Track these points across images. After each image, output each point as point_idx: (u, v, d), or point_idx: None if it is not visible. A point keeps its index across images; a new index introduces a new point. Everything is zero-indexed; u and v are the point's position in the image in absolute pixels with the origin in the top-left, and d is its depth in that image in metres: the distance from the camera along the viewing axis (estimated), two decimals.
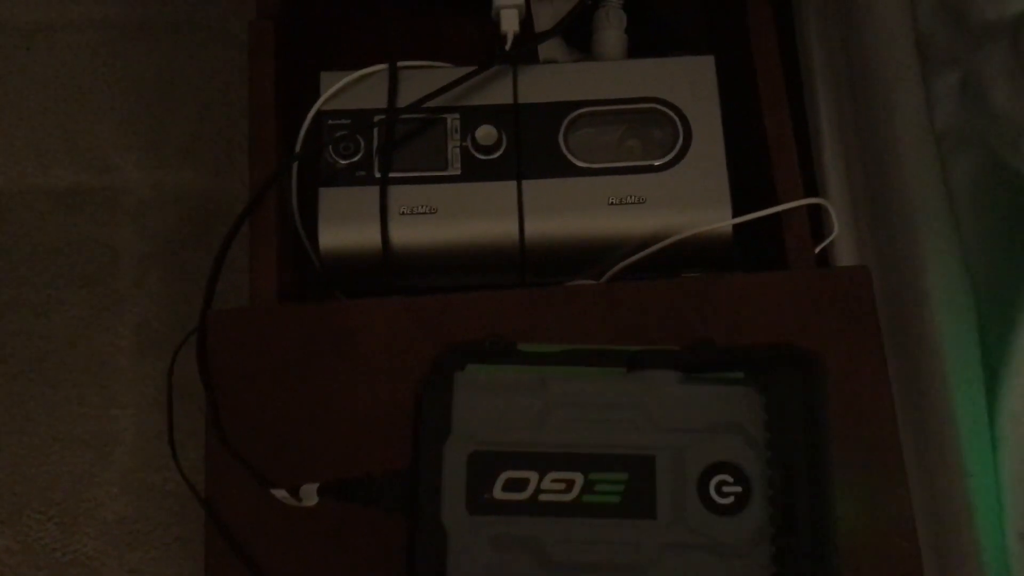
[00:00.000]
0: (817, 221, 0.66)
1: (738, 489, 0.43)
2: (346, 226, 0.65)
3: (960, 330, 0.60)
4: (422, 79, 0.68)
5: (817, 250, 0.63)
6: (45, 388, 0.93)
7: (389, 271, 0.66)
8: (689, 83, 0.68)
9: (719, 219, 0.65)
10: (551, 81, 0.69)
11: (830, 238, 0.65)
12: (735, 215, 0.65)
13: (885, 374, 0.56)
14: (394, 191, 0.66)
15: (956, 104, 0.62)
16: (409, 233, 0.65)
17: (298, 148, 0.67)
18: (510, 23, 0.71)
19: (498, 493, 0.43)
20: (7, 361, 0.93)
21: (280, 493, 0.49)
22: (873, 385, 0.56)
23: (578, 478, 0.43)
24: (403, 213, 0.65)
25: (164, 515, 0.90)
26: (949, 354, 0.60)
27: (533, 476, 0.43)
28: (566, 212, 0.66)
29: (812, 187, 0.70)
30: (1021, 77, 0.55)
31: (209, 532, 0.54)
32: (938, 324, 0.60)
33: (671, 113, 0.67)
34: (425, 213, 0.65)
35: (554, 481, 0.43)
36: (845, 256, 0.67)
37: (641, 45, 0.74)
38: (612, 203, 0.66)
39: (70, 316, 0.95)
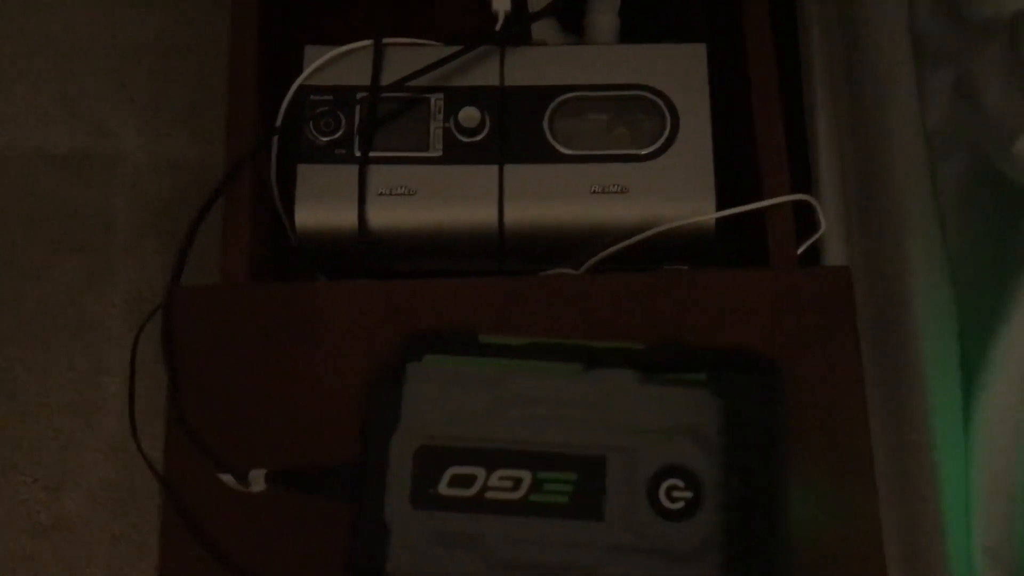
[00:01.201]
0: (809, 218, 0.64)
1: (689, 494, 0.42)
2: (323, 205, 0.64)
3: (940, 336, 0.59)
4: (408, 57, 0.67)
5: (802, 249, 0.62)
6: (35, 352, 0.93)
7: (365, 252, 0.65)
8: (679, 71, 0.66)
9: (702, 212, 0.63)
10: (539, 64, 0.67)
11: (816, 235, 0.63)
12: (719, 208, 0.63)
13: (860, 378, 0.55)
14: (373, 171, 0.65)
15: (949, 103, 0.60)
16: (387, 214, 0.64)
17: (278, 123, 0.66)
18: (502, 2, 0.70)
19: (443, 489, 0.43)
20: None
21: (227, 478, 0.48)
22: (847, 389, 0.55)
23: (526, 476, 0.43)
24: (381, 194, 0.64)
25: (149, 483, 0.89)
26: (928, 360, 0.59)
27: (480, 472, 0.43)
28: (547, 199, 0.64)
29: (808, 183, 0.69)
30: (1015, 77, 0.54)
31: (166, 508, 0.53)
32: (918, 329, 0.59)
33: (659, 101, 0.66)
34: (404, 195, 0.64)
35: (501, 479, 0.43)
36: (834, 254, 0.66)
37: (634, 30, 0.72)
38: (594, 191, 0.64)
39: (62, 281, 0.95)
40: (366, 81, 0.66)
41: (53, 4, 1.02)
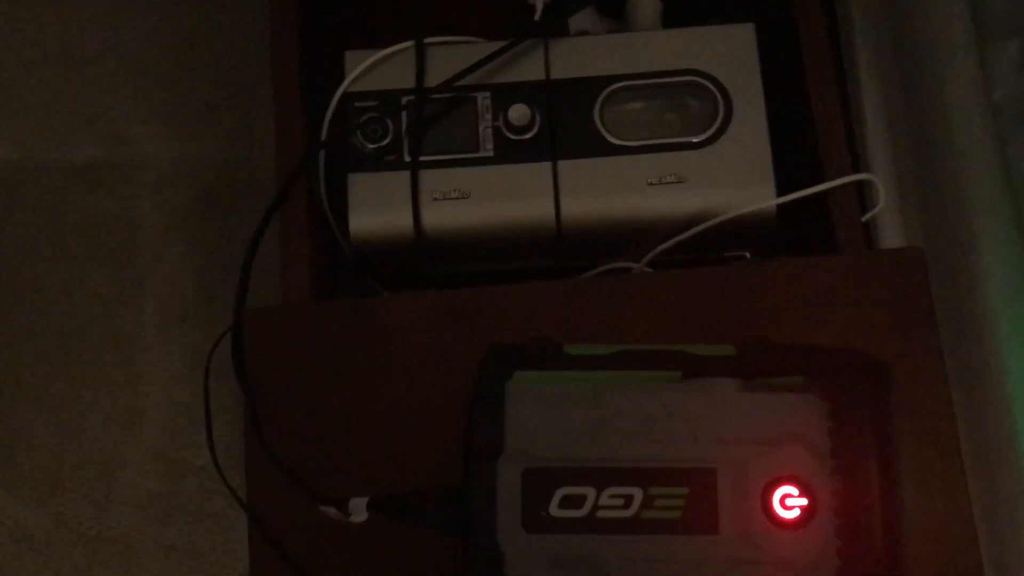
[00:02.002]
0: (861, 198, 0.63)
1: (803, 502, 0.42)
2: (377, 213, 0.64)
3: (1017, 315, 0.58)
4: (451, 55, 0.66)
5: (864, 219, 0.61)
6: (72, 367, 0.93)
7: (422, 259, 0.64)
8: (729, 53, 0.65)
9: (762, 198, 0.62)
10: (584, 55, 0.66)
11: (875, 210, 0.62)
12: (779, 193, 0.63)
13: (941, 362, 0.54)
14: (425, 176, 0.64)
15: (1016, 75, 0.59)
16: (442, 219, 0.64)
17: (324, 134, 0.65)
18: None
19: (555, 510, 0.42)
20: (33, 340, 0.92)
21: (330, 510, 0.48)
22: (928, 375, 0.54)
23: (637, 493, 0.42)
24: (436, 199, 0.64)
25: (196, 490, 0.90)
26: (1004, 340, 0.58)
27: (591, 492, 0.42)
28: (603, 193, 0.64)
29: (854, 163, 0.68)
30: None
31: (253, 538, 0.53)
32: (993, 309, 0.58)
33: (710, 86, 0.65)
34: (458, 198, 0.63)
35: (612, 497, 0.42)
36: (891, 235, 0.65)
37: (676, 12, 0.71)
38: (651, 183, 0.63)
39: (93, 293, 0.94)
40: (410, 84, 0.65)
41: (63, 13, 1.00)
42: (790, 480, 0.42)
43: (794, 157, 0.65)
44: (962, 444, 0.54)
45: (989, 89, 0.61)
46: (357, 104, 0.65)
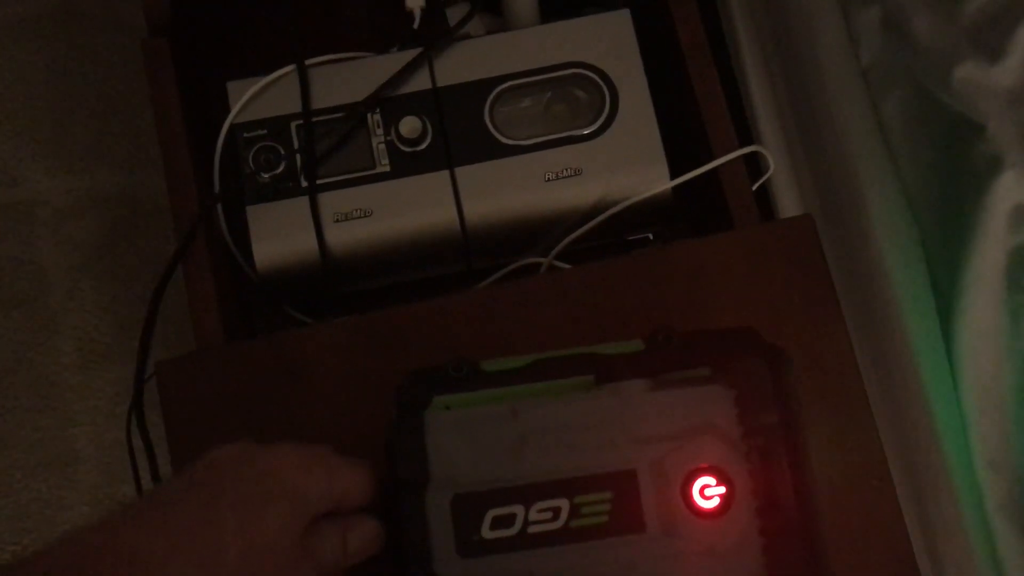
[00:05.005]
0: (758, 170, 0.65)
1: (721, 490, 0.44)
2: (280, 242, 0.63)
3: (908, 265, 0.61)
4: (335, 74, 0.66)
5: (754, 187, 0.62)
6: None
7: (332, 282, 0.64)
8: (608, 42, 0.66)
9: (657, 181, 0.64)
10: (468, 58, 0.66)
11: (763, 179, 0.64)
12: (673, 174, 0.64)
13: (842, 323, 0.57)
14: (324, 198, 0.64)
15: (879, 39, 0.61)
16: (347, 239, 0.64)
17: (216, 170, 0.64)
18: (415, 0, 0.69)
19: (487, 533, 0.43)
20: None
21: None
22: (830, 335, 0.57)
23: (564, 504, 0.43)
24: (337, 220, 0.64)
25: None
26: (900, 289, 0.60)
27: (519, 510, 0.43)
28: (503, 194, 0.64)
29: (747, 138, 0.69)
30: (940, 8, 0.55)
31: None
32: (886, 261, 0.61)
33: (594, 76, 0.66)
34: (360, 217, 0.64)
35: (540, 512, 0.43)
36: (786, 201, 0.67)
37: (553, 3, 0.71)
38: (549, 179, 0.64)
39: (7, 341, 0.92)
40: (297, 108, 0.65)
41: None
42: (707, 470, 0.44)
43: (687, 137, 0.67)
44: (873, 399, 0.56)
45: (857, 54, 0.63)
46: (246, 135, 0.65)
